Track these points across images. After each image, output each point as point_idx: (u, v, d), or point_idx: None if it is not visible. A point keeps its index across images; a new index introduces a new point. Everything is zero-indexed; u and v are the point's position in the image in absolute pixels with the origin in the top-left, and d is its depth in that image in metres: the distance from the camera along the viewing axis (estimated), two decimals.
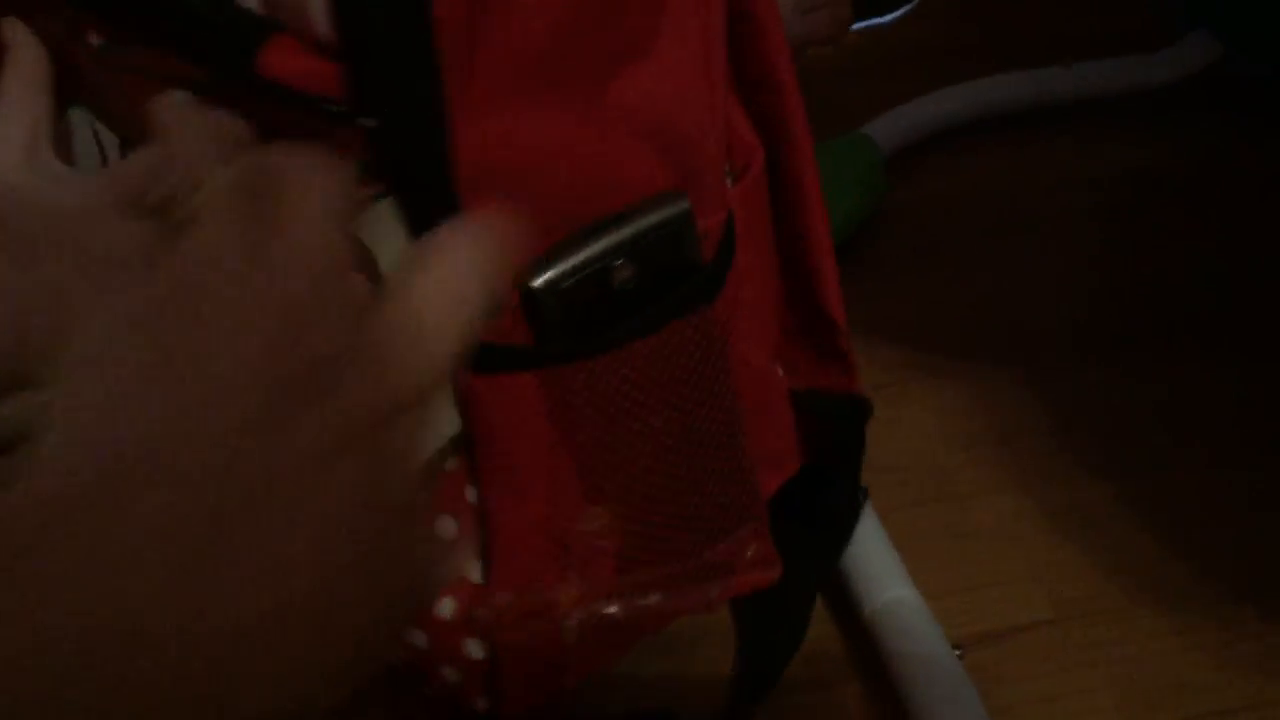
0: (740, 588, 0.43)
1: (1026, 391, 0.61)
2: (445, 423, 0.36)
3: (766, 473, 0.43)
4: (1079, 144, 0.78)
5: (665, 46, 0.33)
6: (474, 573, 0.39)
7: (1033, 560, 0.53)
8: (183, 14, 0.31)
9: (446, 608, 0.39)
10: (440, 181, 0.31)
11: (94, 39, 0.36)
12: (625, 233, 0.33)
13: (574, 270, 0.33)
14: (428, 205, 0.31)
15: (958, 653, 0.46)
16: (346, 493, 0.20)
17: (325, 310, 0.21)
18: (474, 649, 0.40)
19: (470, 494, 0.38)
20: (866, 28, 0.96)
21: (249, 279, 0.20)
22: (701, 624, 0.48)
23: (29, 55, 0.32)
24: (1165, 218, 0.71)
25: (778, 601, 0.44)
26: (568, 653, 0.41)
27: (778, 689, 0.48)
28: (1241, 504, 0.55)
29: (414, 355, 0.22)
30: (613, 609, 0.41)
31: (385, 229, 0.32)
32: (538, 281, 0.33)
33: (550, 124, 0.33)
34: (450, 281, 0.23)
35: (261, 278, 0.20)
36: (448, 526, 0.40)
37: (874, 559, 0.48)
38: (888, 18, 0.99)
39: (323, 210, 0.22)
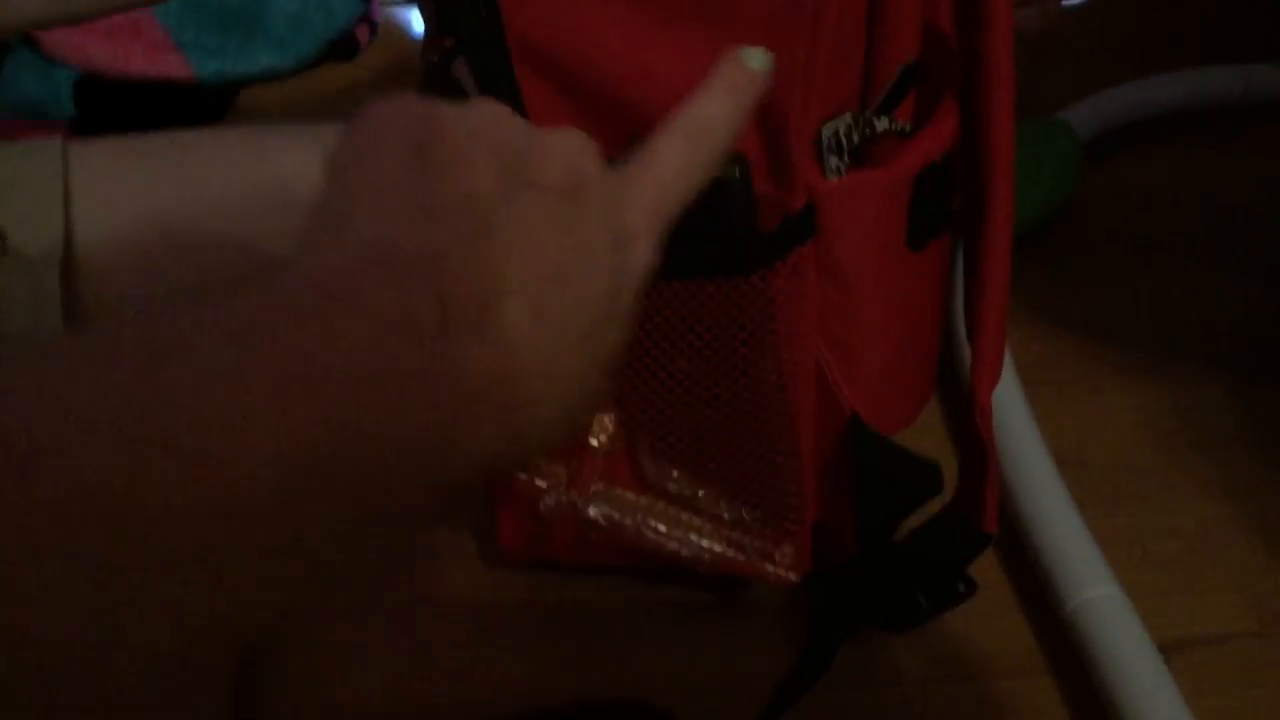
0: (739, 570, 0.45)
1: (1226, 396, 0.59)
2: None
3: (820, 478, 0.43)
4: None
5: (759, 16, 0.34)
6: None
7: (1235, 569, 0.51)
8: None
9: None
10: (493, 46, 0.35)
11: None
12: None
13: None
14: (485, 66, 0.35)
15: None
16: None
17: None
18: None
19: None
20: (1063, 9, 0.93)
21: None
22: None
23: None
24: None
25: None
26: (546, 525, 0.45)
27: (971, 674, 0.48)
28: None
29: (651, 205, 0.28)
30: (591, 512, 0.44)
31: None
32: None
33: (623, 34, 0.35)
34: (682, 154, 0.29)
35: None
36: None
37: (1077, 554, 0.47)
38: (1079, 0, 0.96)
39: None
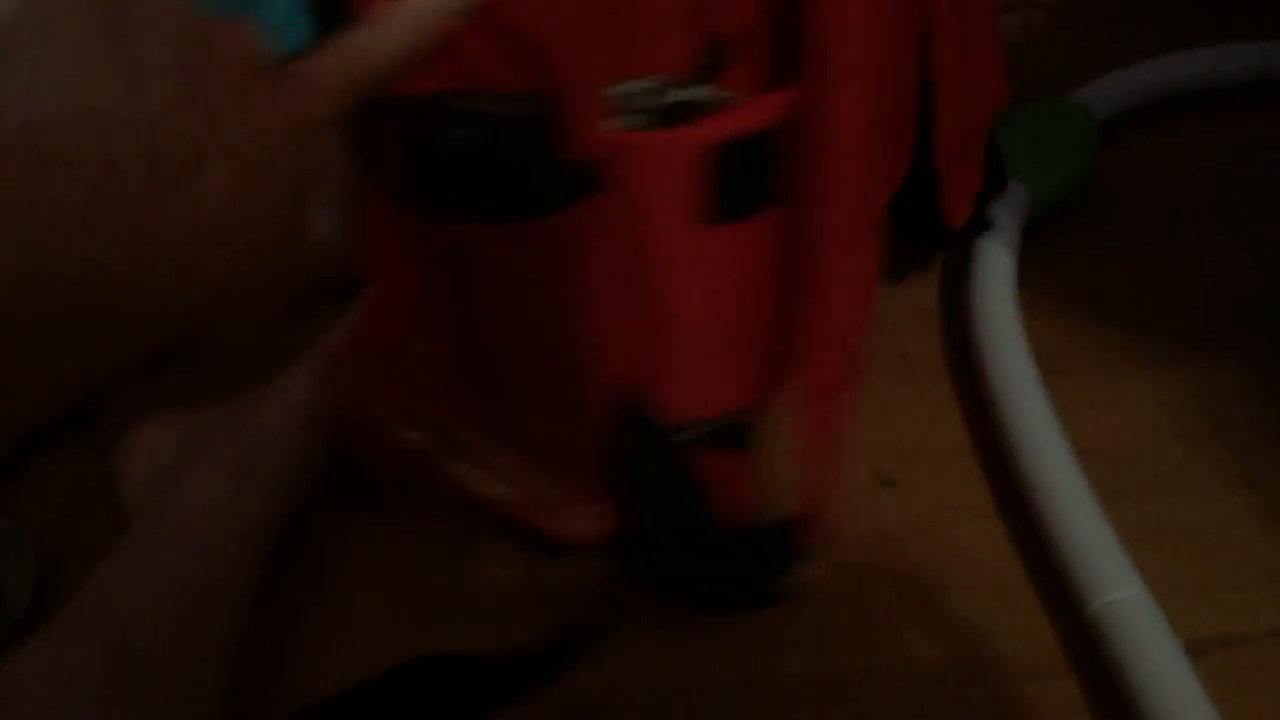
0: (538, 523, 0.46)
1: (1251, 383, 0.58)
2: None
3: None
4: None
5: None
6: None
7: (1264, 565, 0.50)
8: None
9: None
10: None
11: None
12: (466, 106, 0.36)
13: (416, 121, 0.37)
14: None
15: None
16: (248, 158, 0.29)
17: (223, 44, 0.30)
18: None
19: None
20: None
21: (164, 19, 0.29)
22: None
23: None
24: None
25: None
26: (379, 447, 0.47)
27: (990, 676, 0.46)
28: None
29: (308, 91, 0.32)
30: (411, 435, 0.46)
31: None
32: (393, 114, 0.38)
33: None
34: (345, 58, 0.33)
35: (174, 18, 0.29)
36: None
37: (1099, 552, 0.46)
38: None
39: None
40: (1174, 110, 0.75)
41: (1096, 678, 0.45)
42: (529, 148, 0.36)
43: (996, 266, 0.61)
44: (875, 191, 0.43)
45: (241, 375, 0.52)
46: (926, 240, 0.58)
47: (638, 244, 0.38)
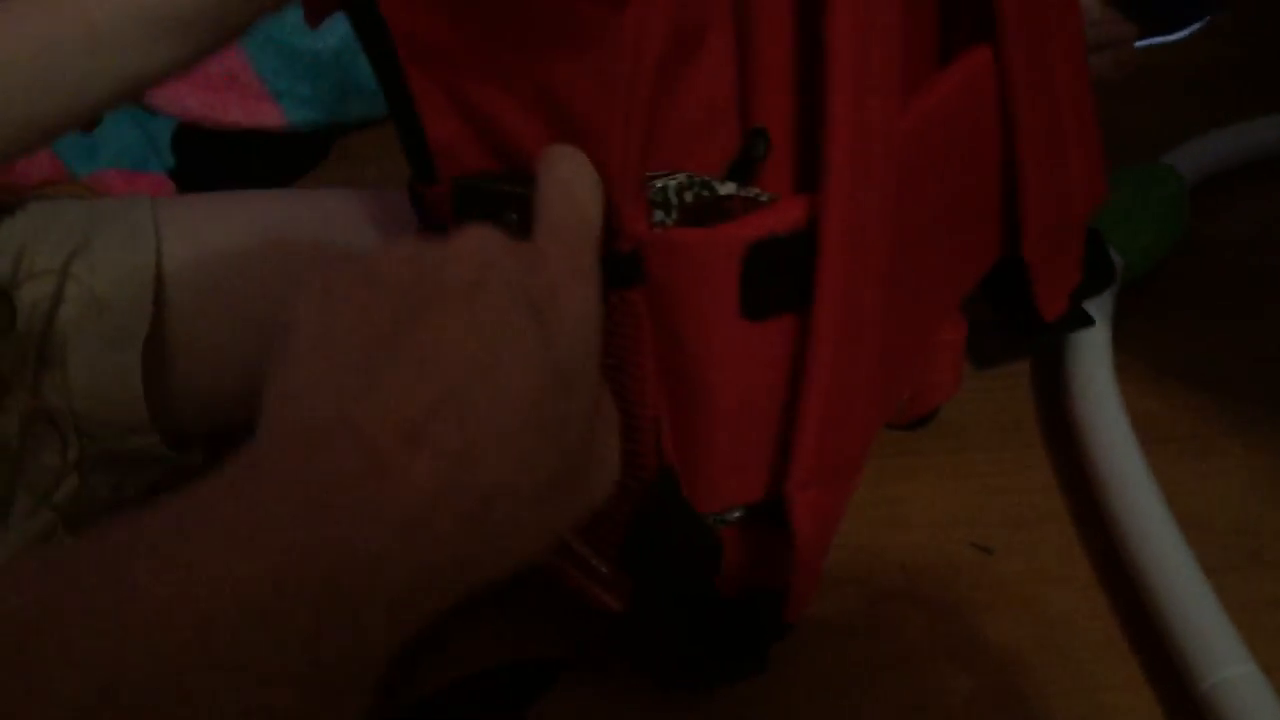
0: (572, 584, 0.46)
1: None
2: None
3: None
4: None
5: (591, 49, 0.34)
6: None
7: None
8: None
9: None
10: (386, 55, 0.37)
11: None
12: (505, 189, 0.36)
13: (471, 197, 0.37)
14: (384, 68, 0.37)
15: None
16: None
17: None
18: None
19: None
20: (1152, 45, 0.92)
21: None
22: None
23: None
24: None
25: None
26: None
27: None
28: None
29: (561, 246, 0.31)
30: None
31: None
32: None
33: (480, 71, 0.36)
34: (564, 179, 0.33)
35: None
36: None
37: (1211, 628, 0.46)
38: (1175, 35, 0.94)
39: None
40: (1265, 174, 0.74)
41: None
42: None
43: (1092, 333, 0.61)
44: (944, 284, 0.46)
45: None
46: (1020, 330, 0.57)
47: (675, 335, 0.38)
